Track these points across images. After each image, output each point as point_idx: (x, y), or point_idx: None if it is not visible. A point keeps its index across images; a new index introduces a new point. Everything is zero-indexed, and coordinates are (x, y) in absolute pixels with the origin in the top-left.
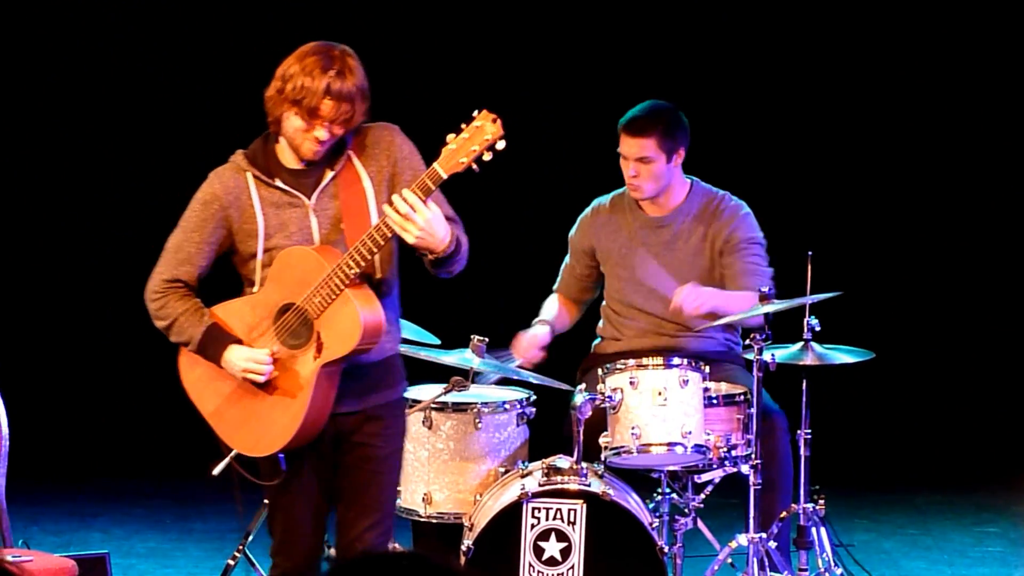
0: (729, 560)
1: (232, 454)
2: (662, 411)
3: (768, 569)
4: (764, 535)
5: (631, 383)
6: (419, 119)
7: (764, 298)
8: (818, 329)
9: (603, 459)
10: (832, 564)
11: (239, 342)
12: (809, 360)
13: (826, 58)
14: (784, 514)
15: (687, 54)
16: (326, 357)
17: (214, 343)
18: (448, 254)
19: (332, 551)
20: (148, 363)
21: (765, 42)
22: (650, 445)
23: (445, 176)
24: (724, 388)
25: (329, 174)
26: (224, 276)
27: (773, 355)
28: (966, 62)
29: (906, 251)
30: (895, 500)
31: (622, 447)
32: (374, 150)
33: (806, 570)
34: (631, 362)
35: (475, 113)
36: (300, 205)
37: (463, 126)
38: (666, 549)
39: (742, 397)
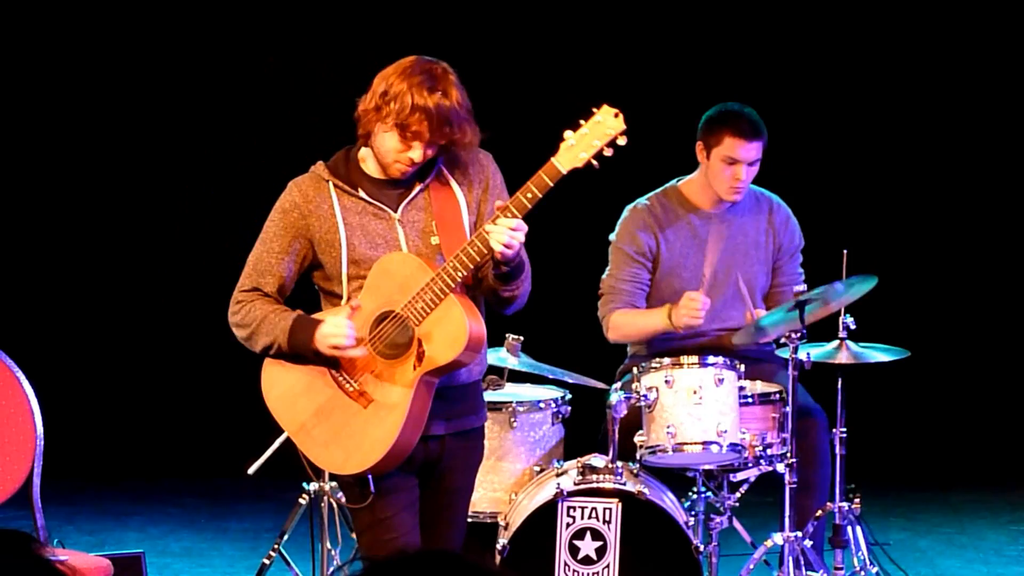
0: (764, 559)
1: (272, 448)
2: (697, 410)
3: (804, 568)
4: (800, 534)
5: (666, 382)
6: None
7: (800, 303)
8: (853, 327)
9: (638, 458)
10: (867, 563)
11: None
12: (844, 358)
13: (860, 52)
14: (820, 513)
15: (719, 49)
16: (428, 365)
17: (305, 329)
18: (519, 264)
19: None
20: (184, 362)
21: (799, 36)
22: (685, 444)
23: (564, 172)
24: (759, 387)
25: (418, 186)
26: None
27: (808, 353)
28: (1004, 56)
29: (941, 248)
30: (931, 499)
31: (657, 446)
32: (467, 169)
33: (841, 569)
34: (666, 361)
35: (594, 108)
36: (386, 217)
37: (581, 121)
38: (701, 548)
39: (777, 396)
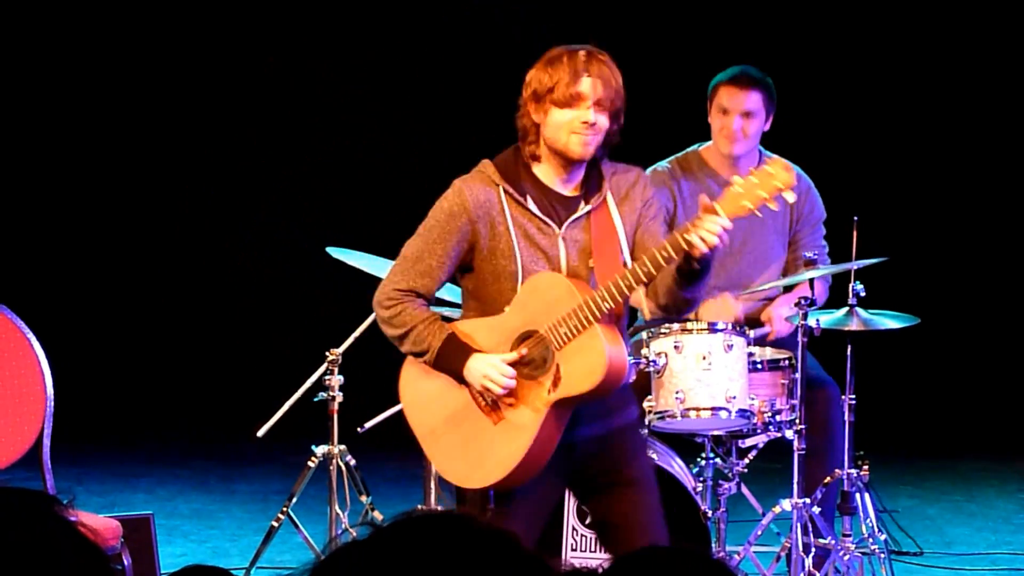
0: (772, 525)
1: (281, 412)
2: (706, 375)
3: (812, 534)
4: (808, 500)
5: (675, 347)
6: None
7: (809, 263)
8: (863, 294)
9: (647, 423)
10: (876, 530)
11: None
12: (854, 325)
13: (869, 21)
14: (828, 479)
15: (740, 18)
16: (562, 392)
17: (456, 352)
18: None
19: (377, 513)
20: (194, 325)
21: (810, 6)
22: (694, 409)
23: (727, 218)
24: (769, 353)
25: (584, 207)
26: None
27: (818, 320)
28: (1012, 30)
29: (952, 216)
30: (939, 466)
31: (666, 411)
32: (629, 194)
33: (850, 535)
34: (675, 326)
35: (767, 157)
36: (550, 233)
37: (752, 170)
38: (710, 513)
39: (787, 362)
